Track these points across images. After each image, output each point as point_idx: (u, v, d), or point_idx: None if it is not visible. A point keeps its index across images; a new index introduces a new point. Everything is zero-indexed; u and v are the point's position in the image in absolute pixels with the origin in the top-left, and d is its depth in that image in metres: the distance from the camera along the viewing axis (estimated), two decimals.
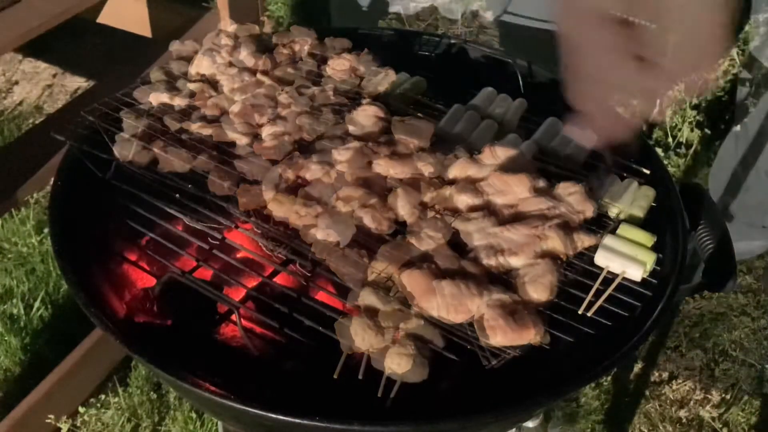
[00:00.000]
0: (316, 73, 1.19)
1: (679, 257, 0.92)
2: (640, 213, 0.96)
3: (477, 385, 0.82)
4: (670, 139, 2.47)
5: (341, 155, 0.94)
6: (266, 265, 0.98)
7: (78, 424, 1.77)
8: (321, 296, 0.93)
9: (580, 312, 0.85)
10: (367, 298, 0.84)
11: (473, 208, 0.91)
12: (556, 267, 0.84)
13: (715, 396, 1.86)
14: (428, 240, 0.86)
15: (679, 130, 2.47)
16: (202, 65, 1.13)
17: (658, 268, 0.90)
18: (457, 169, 0.95)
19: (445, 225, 0.88)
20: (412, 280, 0.81)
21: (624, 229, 0.92)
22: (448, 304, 0.79)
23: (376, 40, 1.33)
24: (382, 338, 0.80)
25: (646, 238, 0.90)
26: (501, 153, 0.96)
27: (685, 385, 1.88)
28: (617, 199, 0.97)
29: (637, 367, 1.92)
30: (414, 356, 0.77)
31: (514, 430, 1.39)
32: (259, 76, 1.13)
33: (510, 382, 0.80)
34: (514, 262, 0.85)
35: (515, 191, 0.91)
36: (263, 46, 1.20)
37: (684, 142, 2.46)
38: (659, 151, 2.41)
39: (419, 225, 0.89)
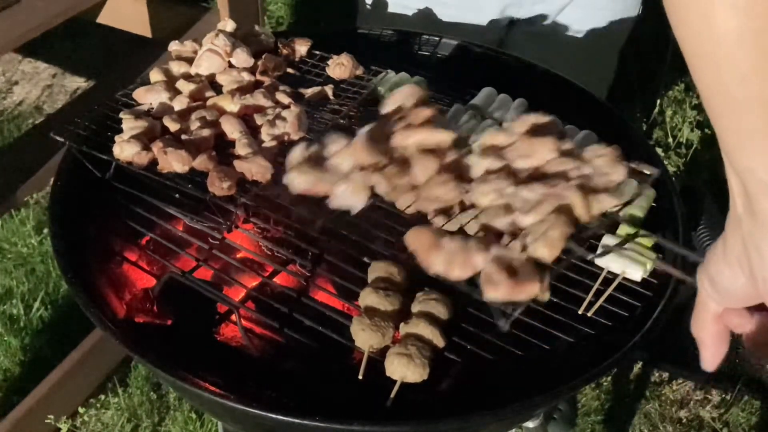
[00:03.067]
0: (315, 73, 1.19)
1: (679, 257, 0.92)
2: (640, 213, 0.96)
3: (477, 385, 0.82)
4: (670, 139, 2.47)
5: (363, 130, 0.93)
6: (266, 265, 0.98)
7: (78, 425, 1.77)
8: (321, 296, 0.93)
9: (580, 312, 0.85)
10: (367, 298, 0.84)
11: (491, 173, 0.88)
12: (566, 224, 0.79)
13: (715, 396, 1.86)
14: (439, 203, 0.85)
15: (679, 130, 2.47)
16: (201, 65, 1.13)
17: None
18: (486, 137, 0.93)
19: (458, 186, 0.86)
20: (417, 236, 0.79)
21: (624, 229, 0.92)
22: (451, 259, 0.76)
23: (376, 40, 1.33)
24: (381, 338, 0.80)
25: (647, 239, 0.90)
26: (533, 119, 0.93)
27: (685, 385, 1.88)
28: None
29: (637, 367, 1.92)
30: (414, 356, 0.77)
31: (514, 430, 1.39)
32: (258, 76, 1.13)
33: (510, 382, 0.80)
34: (526, 221, 0.81)
35: (540, 154, 0.87)
36: (263, 46, 1.20)
37: (684, 142, 2.46)
38: (659, 151, 2.41)
39: (431, 188, 0.87)
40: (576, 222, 0.81)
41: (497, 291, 0.73)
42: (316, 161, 0.90)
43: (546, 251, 0.77)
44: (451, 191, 0.86)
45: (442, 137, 0.91)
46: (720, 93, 0.51)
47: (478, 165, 0.88)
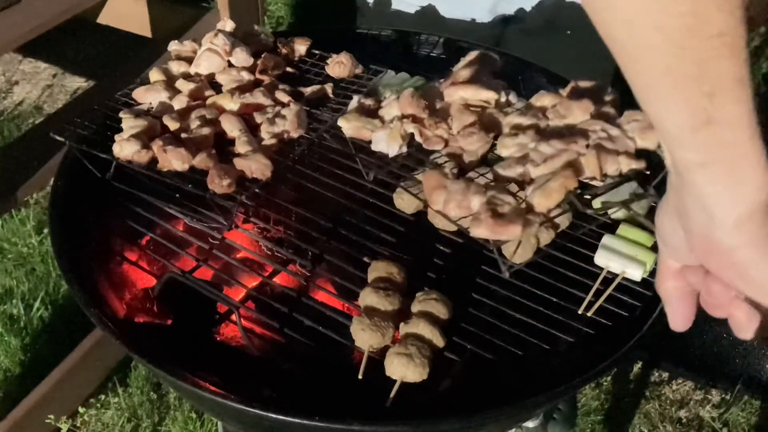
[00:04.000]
0: (315, 72, 1.19)
1: None
2: (640, 213, 0.96)
3: (477, 385, 0.82)
4: None
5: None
6: (266, 265, 0.98)
7: (78, 424, 1.77)
8: (321, 296, 0.93)
9: (580, 312, 0.85)
10: (367, 298, 0.84)
11: (520, 128, 0.90)
12: (568, 178, 0.80)
13: (715, 396, 1.86)
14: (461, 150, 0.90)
15: None
16: (200, 65, 1.13)
17: None
18: (534, 98, 0.96)
19: (483, 137, 0.91)
20: (428, 178, 0.85)
21: (624, 229, 0.92)
22: (450, 198, 0.81)
23: (376, 40, 1.33)
24: (381, 338, 0.80)
25: (646, 238, 0.90)
26: (583, 84, 0.94)
27: (685, 385, 1.88)
28: (617, 198, 0.96)
29: (637, 367, 1.92)
30: (414, 356, 0.77)
31: (514, 430, 1.39)
32: (258, 75, 1.13)
33: (510, 382, 0.80)
34: (536, 172, 0.83)
35: (575, 114, 0.88)
36: (262, 45, 1.20)
37: None
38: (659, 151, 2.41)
39: (460, 139, 0.92)
40: (579, 178, 0.82)
41: (479, 228, 0.77)
42: (368, 112, 0.98)
43: (542, 200, 0.79)
44: (477, 142, 0.90)
45: (488, 95, 0.96)
46: (614, 47, 0.50)
47: (506, 121, 0.92)
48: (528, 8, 1.39)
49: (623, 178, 0.85)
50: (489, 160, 0.93)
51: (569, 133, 0.86)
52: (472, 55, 1.07)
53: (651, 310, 0.86)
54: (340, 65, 1.16)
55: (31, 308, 1.99)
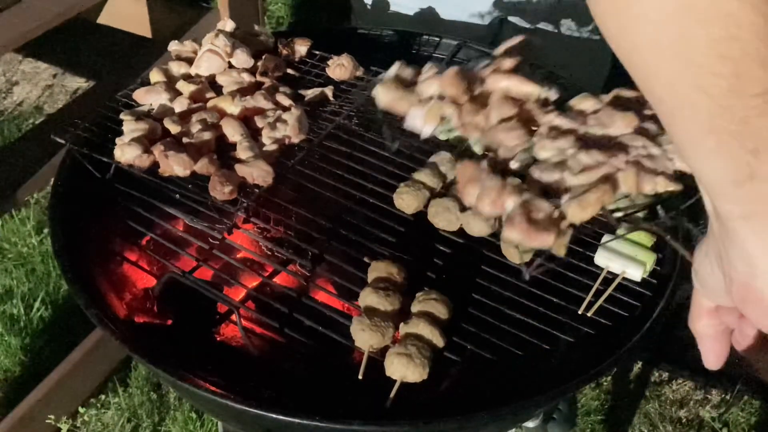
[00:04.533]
0: (315, 73, 1.19)
1: (679, 257, 0.92)
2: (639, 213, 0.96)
3: (477, 385, 0.82)
4: None
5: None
6: (266, 265, 0.98)
7: (78, 425, 1.77)
8: (321, 296, 0.93)
9: (580, 312, 0.85)
10: (367, 298, 0.84)
11: (558, 130, 0.88)
12: (606, 192, 0.79)
13: (715, 396, 1.86)
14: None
15: None
16: (201, 66, 1.13)
17: (658, 268, 0.90)
18: (575, 100, 0.93)
19: (523, 135, 0.87)
20: (463, 168, 0.82)
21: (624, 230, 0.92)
22: (483, 194, 0.79)
23: (376, 40, 1.33)
24: (381, 338, 0.80)
25: (646, 238, 0.90)
26: (626, 94, 0.93)
27: (685, 385, 1.88)
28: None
29: (637, 367, 1.92)
30: (414, 356, 0.77)
31: (514, 430, 1.39)
32: (258, 77, 1.13)
33: (510, 382, 0.80)
34: (573, 181, 0.81)
35: (617, 126, 0.86)
36: (263, 46, 1.20)
37: None
38: None
39: (498, 132, 0.88)
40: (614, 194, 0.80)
41: (512, 231, 0.75)
42: (407, 83, 0.94)
43: (577, 210, 0.77)
44: (517, 138, 0.87)
45: (531, 89, 0.92)
46: (653, 100, 0.51)
47: (545, 119, 0.89)
48: (526, 9, 1.39)
49: (657, 199, 0.85)
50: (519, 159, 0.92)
51: (610, 145, 0.85)
52: (515, 40, 1.04)
53: (651, 310, 0.86)
54: (340, 68, 1.16)
55: (31, 308, 1.99)
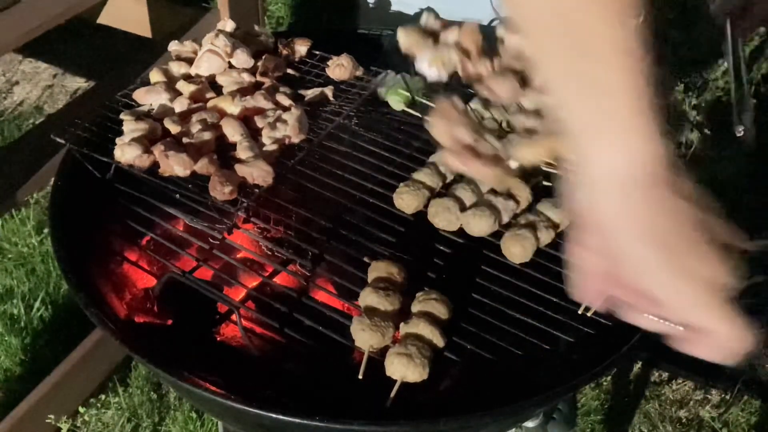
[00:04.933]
0: (315, 73, 1.19)
1: None
2: None
3: (477, 385, 0.82)
4: None
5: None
6: (266, 265, 0.98)
7: (78, 424, 1.77)
8: (321, 296, 0.93)
9: (580, 312, 0.85)
10: (367, 298, 0.84)
11: None
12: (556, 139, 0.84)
13: (715, 396, 1.86)
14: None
15: (679, 129, 2.47)
16: (201, 66, 1.13)
17: None
18: None
19: (516, 87, 0.95)
20: (440, 105, 0.86)
21: None
22: (449, 128, 0.84)
23: (376, 41, 1.33)
24: (381, 338, 0.80)
25: None
26: None
27: (685, 385, 1.88)
28: None
29: (637, 367, 1.92)
30: (414, 356, 0.77)
31: (514, 430, 1.39)
32: (258, 77, 1.13)
33: (510, 382, 0.80)
34: (528, 123, 0.91)
35: None
36: (263, 46, 1.20)
37: (684, 142, 2.46)
38: None
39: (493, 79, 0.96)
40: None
41: (452, 159, 0.82)
42: (432, 33, 1.01)
43: (524, 150, 0.83)
44: (509, 90, 0.94)
45: None
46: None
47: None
48: None
49: None
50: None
51: None
52: None
53: None
54: (340, 68, 1.16)
55: (31, 308, 1.99)
